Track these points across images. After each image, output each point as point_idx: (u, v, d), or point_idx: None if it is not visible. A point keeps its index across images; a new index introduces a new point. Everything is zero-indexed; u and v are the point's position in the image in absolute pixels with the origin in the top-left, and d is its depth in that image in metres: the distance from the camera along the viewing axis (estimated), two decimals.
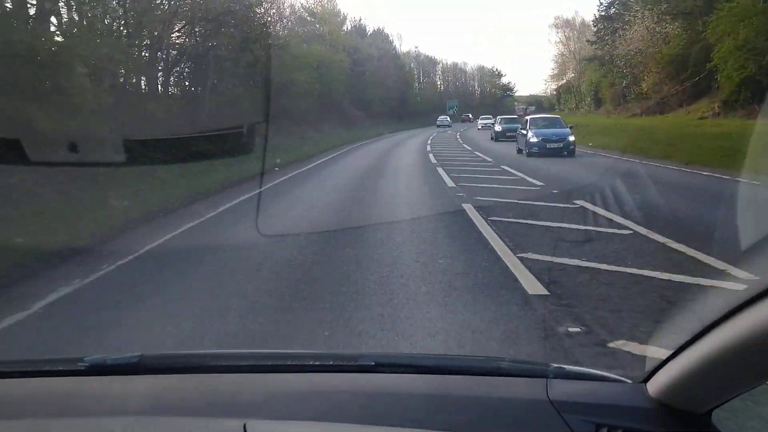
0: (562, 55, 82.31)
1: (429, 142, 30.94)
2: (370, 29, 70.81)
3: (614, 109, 45.34)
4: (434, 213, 9.13)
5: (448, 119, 63.06)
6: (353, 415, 1.30)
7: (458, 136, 37.73)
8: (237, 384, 1.47)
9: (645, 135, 22.06)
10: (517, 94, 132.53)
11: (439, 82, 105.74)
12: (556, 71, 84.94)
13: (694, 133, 20.94)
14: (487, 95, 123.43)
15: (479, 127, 47.16)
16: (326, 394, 1.40)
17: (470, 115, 77.15)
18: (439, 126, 57.88)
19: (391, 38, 77.13)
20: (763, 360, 0.97)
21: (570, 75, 74.00)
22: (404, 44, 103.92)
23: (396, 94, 67.72)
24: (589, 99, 55.94)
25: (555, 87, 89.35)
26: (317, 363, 1.60)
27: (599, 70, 53.98)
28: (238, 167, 14.52)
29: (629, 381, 1.36)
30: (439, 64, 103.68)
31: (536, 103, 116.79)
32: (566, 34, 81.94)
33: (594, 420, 1.22)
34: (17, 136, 9.32)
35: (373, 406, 1.34)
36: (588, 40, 57.51)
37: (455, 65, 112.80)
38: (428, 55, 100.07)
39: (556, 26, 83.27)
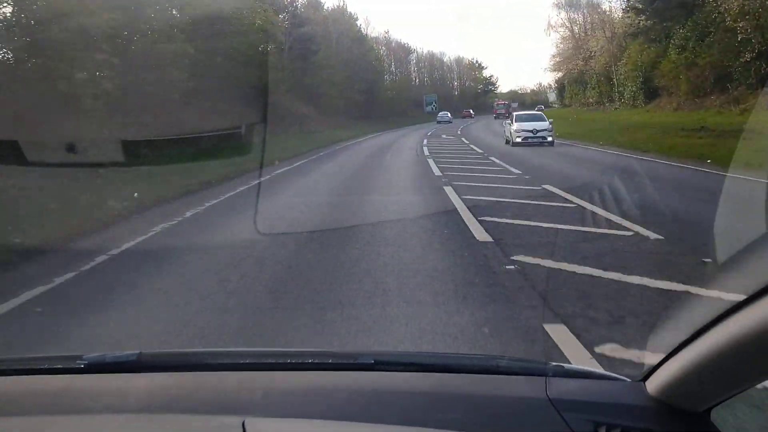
0: (565, 39, 66.31)
1: (438, 170, 13.83)
2: (328, 6, 53.43)
3: (699, 100, 29.15)
4: None
5: (449, 115, 57.67)
6: (352, 413, 1.28)
7: (493, 158, 20.85)
8: (236, 382, 1.45)
9: None
10: (498, 90, 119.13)
11: (413, 74, 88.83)
12: (557, 59, 68.94)
13: None
14: (466, 90, 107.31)
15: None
16: (325, 392, 1.37)
17: (471, 111, 70.76)
18: (440, 122, 52.89)
19: (355, 15, 59.95)
20: (761, 358, 0.96)
21: (579, 62, 57.85)
22: (373, 31, 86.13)
23: (362, 84, 50.61)
24: (633, 88, 39.63)
25: (556, 78, 73.65)
26: (316, 361, 1.57)
27: (650, 48, 37.95)
28: None
29: (628, 379, 1.35)
30: (413, 52, 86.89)
31: (518, 99, 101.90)
32: (569, 16, 65.69)
33: (593, 418, 1.20)
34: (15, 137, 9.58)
35: (372, 404, 1.32)
36: (632, 7, 41.22)
37: (432, 55, 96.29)
38: (401, 42, 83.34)
39: (558, 6, 66.98)
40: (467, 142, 25.71)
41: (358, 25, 60.20)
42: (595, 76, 50.86)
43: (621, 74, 42.60)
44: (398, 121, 55.16)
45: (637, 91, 38.71)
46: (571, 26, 64.86)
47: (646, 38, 39.55)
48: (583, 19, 62.59)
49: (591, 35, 54.70)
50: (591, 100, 53.55)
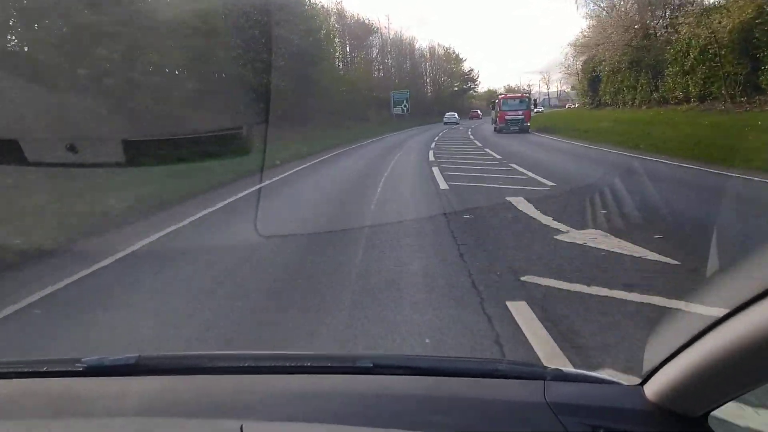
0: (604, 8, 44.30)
1: None
2: None
3: None
4: None
5: (456, 116, 53.22)
6: (350, 417, 1.26)
7: None
8: (234, 385, 1.43)
9: None
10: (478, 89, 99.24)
11: (376, 63, 65.49)
12: (585, 37, 46.85)
13: None
14: (442, 87, 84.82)
15: None
16: (324, 396, 1.36)
17: (479, 112, 64.65)
18: (446, 123, 48.99)
19: None
20: (759, 363, 0.95)
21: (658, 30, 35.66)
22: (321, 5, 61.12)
23: (287, 61, 27.02)
24: None
25: (581, 64, 51.41)
26: (315, 364, 1.54)
27: None
28: None
29: (626, 384, 1.33)
30: (376, 33, 63.50)
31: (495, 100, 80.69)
32: None
33: (591, 422, 1.19)
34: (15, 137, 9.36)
35: (370, 407, 1.31)
36: None
37: (400, 39, 72.96)
38: (359, 17, 60.04)
39: None
40: None
41: None
42: (705, 47, 28.52)
43: None
44: (355, 130, 32.06)
45: None
46: None
47: None
48: None
49: None
50: (683, 93, 31.42)
